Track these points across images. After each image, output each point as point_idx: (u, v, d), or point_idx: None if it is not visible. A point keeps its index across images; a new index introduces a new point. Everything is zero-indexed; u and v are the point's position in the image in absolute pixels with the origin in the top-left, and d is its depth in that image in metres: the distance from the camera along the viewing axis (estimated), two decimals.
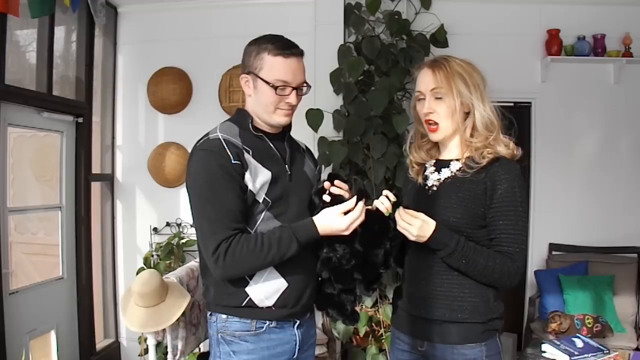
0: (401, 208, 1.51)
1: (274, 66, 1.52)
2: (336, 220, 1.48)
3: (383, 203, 1.54)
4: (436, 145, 1.67)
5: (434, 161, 1.66)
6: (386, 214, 1.54)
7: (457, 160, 1.59)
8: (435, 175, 1.61)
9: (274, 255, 1.47)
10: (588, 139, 3.94)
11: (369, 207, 1.55)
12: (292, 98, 1.55)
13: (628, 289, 3.59)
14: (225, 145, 1.50)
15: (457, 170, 1.57)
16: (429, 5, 3.70)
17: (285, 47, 1.53)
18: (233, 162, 1.48)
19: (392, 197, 1.54)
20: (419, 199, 1.61)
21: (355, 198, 1.50)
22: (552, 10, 3.85)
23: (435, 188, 1.60)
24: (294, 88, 1.55)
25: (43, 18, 3.13)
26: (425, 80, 1.57)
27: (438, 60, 1.58)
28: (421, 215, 1.49)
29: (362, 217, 1.50)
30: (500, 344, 1.58)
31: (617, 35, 3.81)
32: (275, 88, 1.52)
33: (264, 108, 1.57)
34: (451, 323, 1.52)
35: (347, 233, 1.49)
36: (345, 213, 1.49)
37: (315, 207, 1.59)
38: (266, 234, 1.49)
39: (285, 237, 1.47)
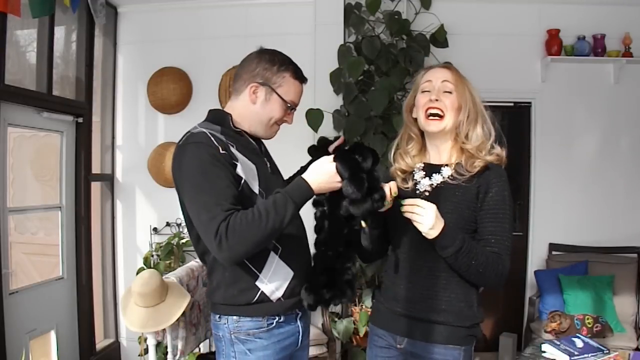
0: (417, 199, 1.47)
1: (292, 88, 1.65)
2: (325, 165, 1.47)
3: (392, 188, 1.51)
4: (422, 150, 1.68)
5: (422, 165, 1.66)
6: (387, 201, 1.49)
7: (447, 165, 1.60)
8: (427, 181, 1.62)
9: (274, 220, 1.44)
10: (588, 139, 3.94)
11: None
12: (290, 118, 1.70)
13: (628, 289, 3.59)
14: (211, 137, 1.53)
15: (448, 177, 1.58)
16: (429, 5, 3.70)
17: (302, 74, 1.68)
18: (221, 152, 1.50)
19: (395, 190, 1.51)
20: None
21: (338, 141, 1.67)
22: (552, 10, 3.85)
23: (427, 194, 1.59)
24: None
25: (43, 18, 3.13)
26: (439, 73, 1.61)
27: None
28: (432, 206, 1.45)
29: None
30: (473, 353, 1.59)
31: (617, 35, 3.81)
32: (288, 107, 1.66)
33: (265, 120, 1.65)
34: (436, 324, 1.53)
35: (339, 184, 1.47)
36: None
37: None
38: (260, 202, 1.49)
39: (280, 200, 1.46)
